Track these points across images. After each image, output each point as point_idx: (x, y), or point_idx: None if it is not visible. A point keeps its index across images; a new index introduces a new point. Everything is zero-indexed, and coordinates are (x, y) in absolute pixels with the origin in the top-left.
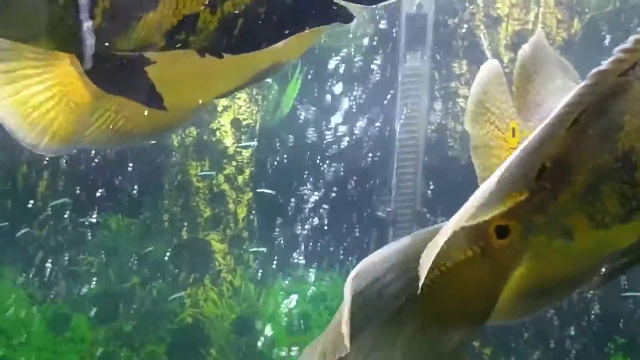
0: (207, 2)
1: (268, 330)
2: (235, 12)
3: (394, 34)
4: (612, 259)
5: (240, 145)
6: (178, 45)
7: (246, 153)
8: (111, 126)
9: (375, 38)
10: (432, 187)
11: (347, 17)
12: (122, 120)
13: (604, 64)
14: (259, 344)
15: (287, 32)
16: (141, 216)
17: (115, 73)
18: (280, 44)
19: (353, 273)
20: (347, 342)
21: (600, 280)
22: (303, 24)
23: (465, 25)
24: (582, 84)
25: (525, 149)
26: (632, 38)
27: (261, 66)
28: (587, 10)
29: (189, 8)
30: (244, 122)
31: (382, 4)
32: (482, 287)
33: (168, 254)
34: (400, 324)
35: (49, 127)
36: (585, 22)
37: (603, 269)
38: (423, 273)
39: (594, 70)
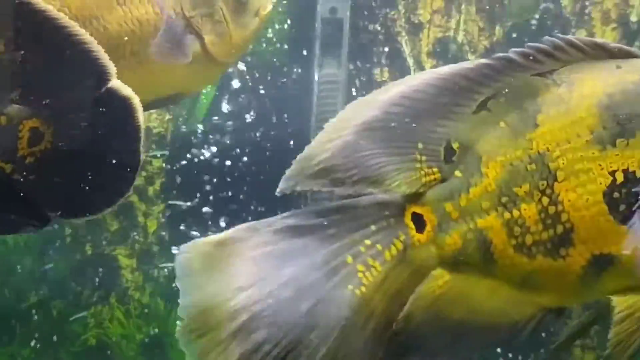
0: None
1: (179, 350)
2: None
3: (310, 39)
4: (547, 319)
5: (150, 154)
6: None
7: (156, 163)
8: None
9: (292, 43)
10: None
11: (43, 222)
12: None
13: (512, 54)
14: None
15: None
16: (41, 230)
17: None
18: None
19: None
20: None
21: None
22: None
23: (386, 32)
24: (480, 61)
25: (417, 113)
26: (551, 42)
27: (160, 94)
28: (508, 18)
29: None
30: (155, 130)
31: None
32: (405, 296)
33: (70, 271)
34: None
35: None
36: (507, 30)
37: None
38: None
39: (499, 55)
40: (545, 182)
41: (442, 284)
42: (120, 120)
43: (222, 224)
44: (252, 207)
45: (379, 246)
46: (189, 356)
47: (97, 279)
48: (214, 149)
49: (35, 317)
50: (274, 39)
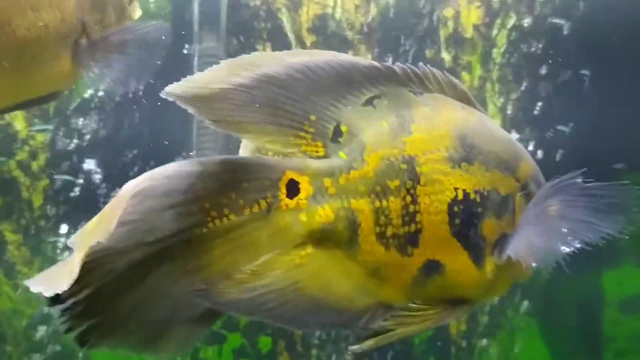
0: None
1: None
2: None
3: (189, 14)
4: (380, 316)
5: (33, 128)
6: None
7: (40, 137)
8: None
9: (172, 17)
10: None
11: None
12: None
13: (397, 67)
14: (60, 337)
15: None
16: None
17: None
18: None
19: (137, 187)
20: (69, 280)
21: (370, 344)
22: None
23: (267, 8)
24: (373, 63)
25: (304, 94)
26: (423, 70)
27: (33, 94)
28: None
29: None
30: None
31: None
32: (256, 251)
33: None
34: (158, 263)
35: None
36: (381, 8)
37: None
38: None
39: (387, 64)
40: (411, 182)
41: (304, 255)
42: None
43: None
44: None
45: (241, 201)
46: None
47: None
48: (96, 123)
49: None
50: (155, 15)
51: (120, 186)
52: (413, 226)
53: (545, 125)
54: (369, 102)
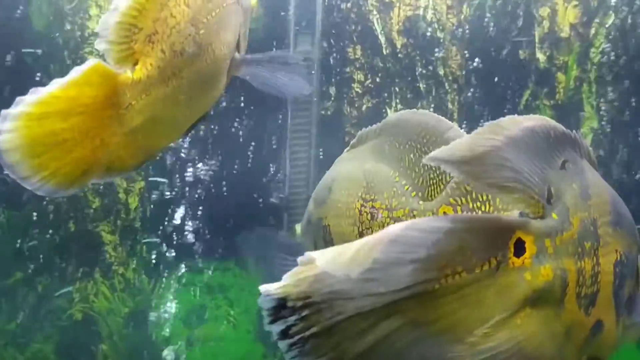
0: None
1: (163, 323)
2: None
3: (285, 18)
4: None
5: None
6: None
7: None
8: (109, 164)
9: (267, 22)
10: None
11: None
12: (118, 160)
13: (573, 133)
14: (154, 337)
15: None
16: (24, 208)
17: None
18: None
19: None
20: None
21: None
22: None
23: (358, 10)
24: (563, 127)
25: (531, 156)
26: (575, 134)
27: (202, 114)
28: None
29: None
30: None
31: None
32: (481, 309)
33: (54, 247)
34: (387, 315)
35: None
36: (473, 8)
37: None
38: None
39: (566, 129)
40: (596, 244)
41: (523, 315)
42: None
43: (202, 200)
44: (234, 183)
45: (474, 259)
46: None
47: (81, 255)
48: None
49: (21, 292)
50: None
51: (215, 189)
52: (595, 286)
53: None
54: (564, 165)
